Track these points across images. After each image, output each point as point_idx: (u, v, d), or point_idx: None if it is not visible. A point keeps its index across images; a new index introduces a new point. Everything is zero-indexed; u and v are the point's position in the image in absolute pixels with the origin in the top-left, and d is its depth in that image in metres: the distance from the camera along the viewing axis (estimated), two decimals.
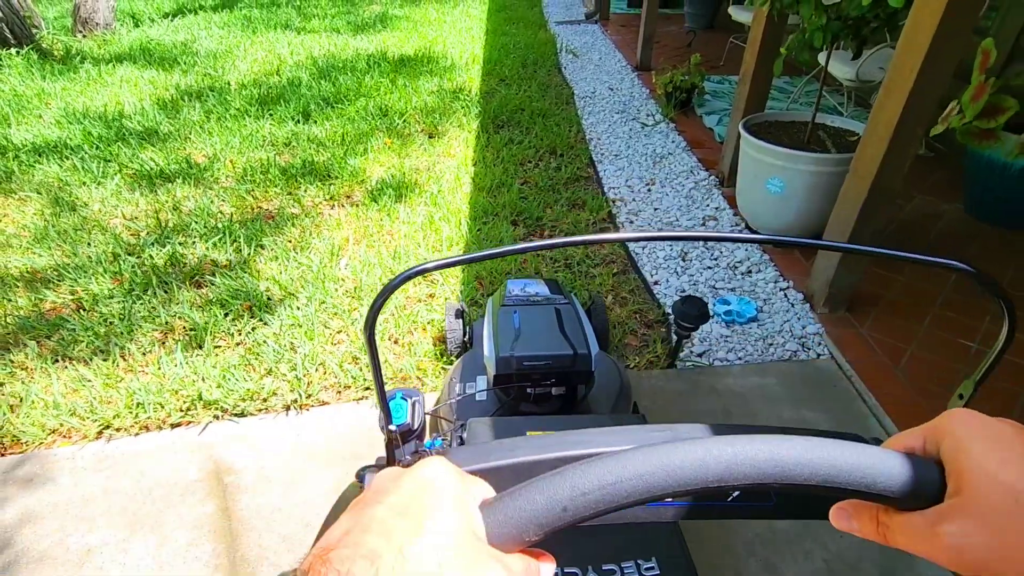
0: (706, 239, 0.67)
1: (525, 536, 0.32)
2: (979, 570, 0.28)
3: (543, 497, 0.32)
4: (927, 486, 0.31)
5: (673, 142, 3.71)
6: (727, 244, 2.70)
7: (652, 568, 0.87)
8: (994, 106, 2.53)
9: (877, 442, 0.52)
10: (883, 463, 0.31)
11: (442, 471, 0.32)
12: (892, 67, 1.81)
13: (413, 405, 0.82)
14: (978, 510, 0.28)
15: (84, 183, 3.06)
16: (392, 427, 0.73)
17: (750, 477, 0.32)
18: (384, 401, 0.66)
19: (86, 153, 3.33)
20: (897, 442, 0.34)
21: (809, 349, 2.12)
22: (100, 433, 1.79)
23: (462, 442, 1.05)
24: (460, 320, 1.85)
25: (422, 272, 0.53)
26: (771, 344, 2.15)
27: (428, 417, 0.91)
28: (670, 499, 0.46)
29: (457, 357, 1.78)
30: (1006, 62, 3.10)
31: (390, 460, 0.69)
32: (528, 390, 1.13)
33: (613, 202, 3.07)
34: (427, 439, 0.99)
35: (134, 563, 1.46)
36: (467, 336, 1.80)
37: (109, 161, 3.28)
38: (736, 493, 0.49)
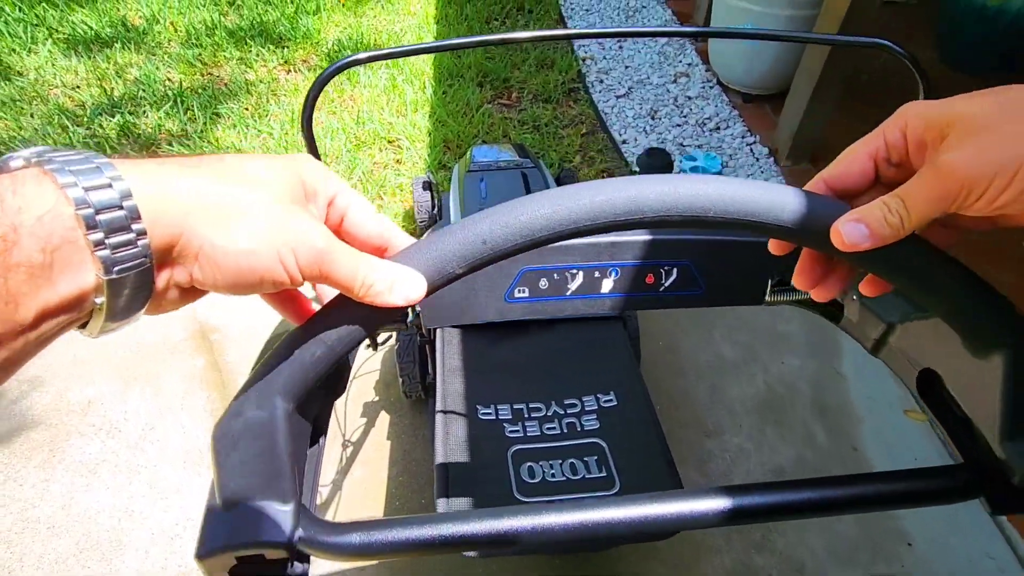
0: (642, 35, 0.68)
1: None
2: (989, 183, 0.27)
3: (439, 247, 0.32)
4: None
5: None
6: (697, 102, 2.66)
7: (611, 400, 0.94)
8: None
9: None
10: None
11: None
12: None
13: None
14: (968, 130, 0.28)
15: (14, 50, 2.82)
16: None
17: (672, 211, 0.31)
18: None
19: (8, 16, 3.03)
20: (852, 154, 0.34)
21: None
22: None
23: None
24: (428, 192, 1.81)
25: (356, 63, 0.54)
26: None
27: None
28: (606, 291, 0.49)
29: (426, 229, 1.78)
30: None
31: None
32: None
33: (583, 60, 2.95)
34: None
35: (133, 410, 1.57)
36: (435, 208, 1.78)
37: (37, 25, 3.00)
38: (668, 282, 0.51)
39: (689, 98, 2.69)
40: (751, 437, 1.52)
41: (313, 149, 0.58)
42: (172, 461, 1.47)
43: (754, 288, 0.49)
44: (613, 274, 0.49)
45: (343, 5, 3.28)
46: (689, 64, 2.92)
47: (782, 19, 2.28)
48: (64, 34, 2.95)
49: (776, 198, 0.32)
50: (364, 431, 1.56)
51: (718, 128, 2.52)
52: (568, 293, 0.50)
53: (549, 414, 0.93)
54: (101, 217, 0.24)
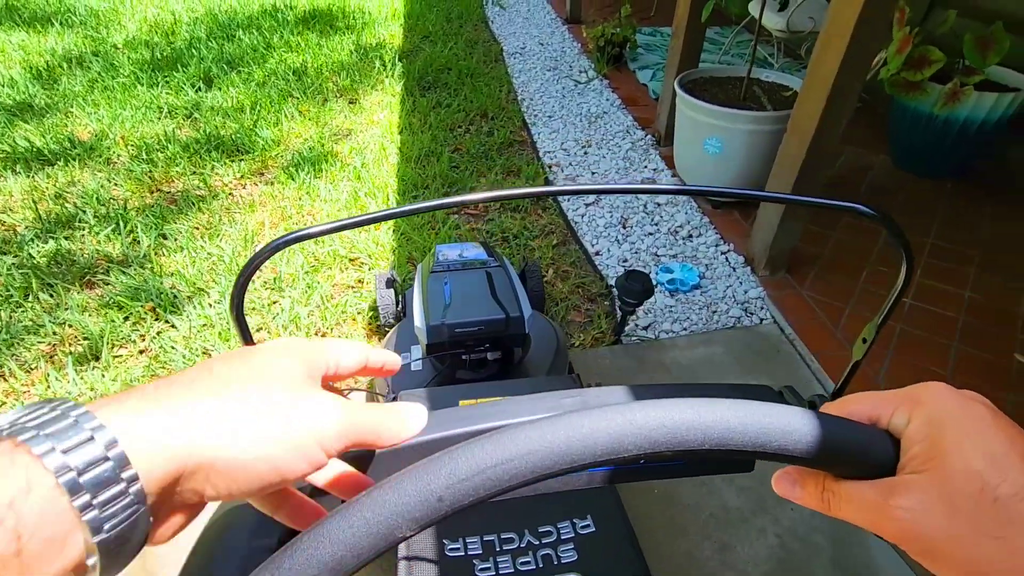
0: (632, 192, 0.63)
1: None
2: (923, 550, 0.28)
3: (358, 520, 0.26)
4: (881, 456, 0.30)
5: (608, 100, 3.58)
6: (667, 208, 2.63)
7: (588, 526, 0.89)
8: (922, 58, 2.54)
9: (821, 400, 0.50)
10: (833, 429, 0.29)
11: (280, 356, 0.31)
12: (829, 20, 1.74)
13: None
14: (943, 490, 0.27)
15: None
16: None
17: (664, 444, 0.29)
18: None
19: None
20: (859, 404, 0.32)
21: (752, 314, 2.10)
22: None
23: None
24: (391, 290, 1.78)
25: (297, 240, 0.49)
26: (715, 311, 2.12)
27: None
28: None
29: (390, 328, 1.71)
30: (928, 10, 3.12)
31: None
32: (463, 356, 1.11)
33: (549, 167, 2.93)
34: None
35: None
36: (400, 306, 1.76)
37: None
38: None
39: (659, 204, 2.66)
40: None
41: (247, 338, 0.51)
42: None
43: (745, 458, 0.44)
44: None
45: (303, 115, 3.24)
46: (655, 169, 2.93)
47: (745, 132, 2.30)
48: (2, 152, 2.78)
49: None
50: None
51: (691, 236, 2.47)
52: None
53: (523, 545, 0.87)
54: (86, 477, 0.22)
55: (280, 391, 0.29)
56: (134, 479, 0.23)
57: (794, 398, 0.52)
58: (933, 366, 1.86)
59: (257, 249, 0.48)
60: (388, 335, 1.36)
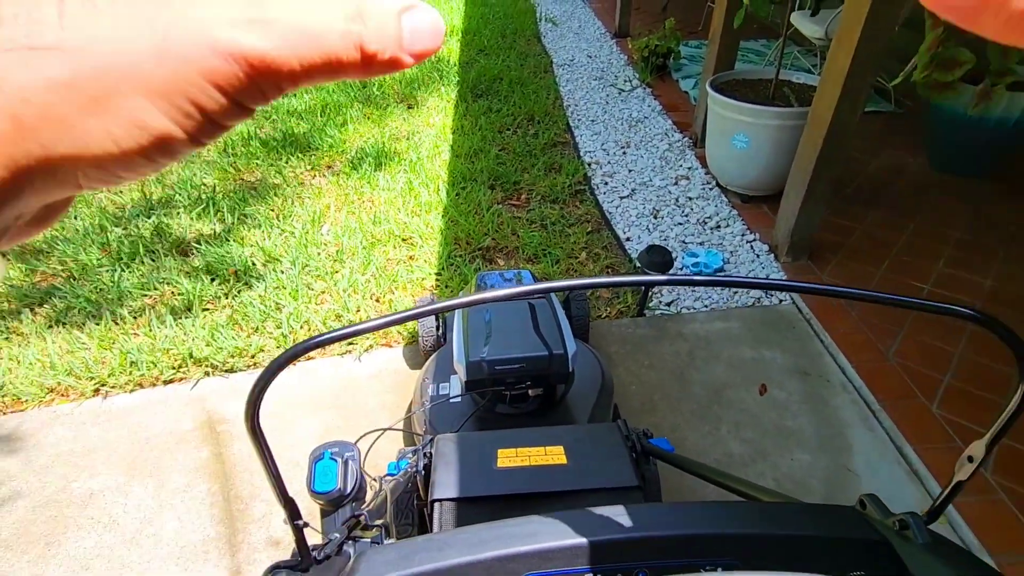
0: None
1: None
2: None
3: None
4: None
5: (649, 106, 3.77)
6: (697, 202, 2.79)
7: None
8: (952, 59, 2.61)
9: (915, 519, 0.46)
10: None
11: None
12: (842, 21, 1.89)
13: (346, 463, 0.68)
14: None
15: None
16: (319, 494, 0.61)
17: None
18: (283, 494, 0.51)
19: None
20: None
21: (772, 295, 2.23)
22: (97, 391, 1.89)
23: (430, 462, 0.88)
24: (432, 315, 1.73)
25: (316, 346, 0.43)
26: (736, 292, 2.26)
27: (367, 478, 0.83)
28: None
29: (431, 353, 1.70)
30: None
31: (302, 555, 0.57)
32: (504, 391, 1.08)
33: (589, 165, 3.14)
34: (394, 459, 0.95)
35: (134, 503, 1.57)
36: (440, 331, 1.72)
37: None
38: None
39: (690, 199, 2.82)
40: None
41: (262, 446, 0.46)
42: (164, 558, 1.44)
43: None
44: None
45: (367, 118, 3.58)
46: (689, 168, 3.09)
47: (771, 128, 2.44)
48: None
49: None
50: None
51: (719, 227, 2.61)
52: None
53: None
54: None
55: None
56: None
57: (878, 511, 0.47)
58: (944, 344, 1.94)
59: (270, 361, 0.43)
60: (427, 363, 1.31)
